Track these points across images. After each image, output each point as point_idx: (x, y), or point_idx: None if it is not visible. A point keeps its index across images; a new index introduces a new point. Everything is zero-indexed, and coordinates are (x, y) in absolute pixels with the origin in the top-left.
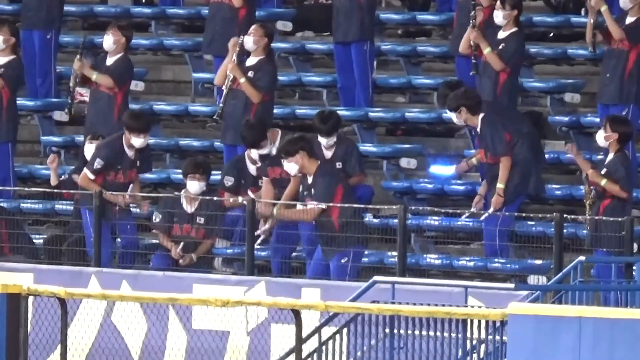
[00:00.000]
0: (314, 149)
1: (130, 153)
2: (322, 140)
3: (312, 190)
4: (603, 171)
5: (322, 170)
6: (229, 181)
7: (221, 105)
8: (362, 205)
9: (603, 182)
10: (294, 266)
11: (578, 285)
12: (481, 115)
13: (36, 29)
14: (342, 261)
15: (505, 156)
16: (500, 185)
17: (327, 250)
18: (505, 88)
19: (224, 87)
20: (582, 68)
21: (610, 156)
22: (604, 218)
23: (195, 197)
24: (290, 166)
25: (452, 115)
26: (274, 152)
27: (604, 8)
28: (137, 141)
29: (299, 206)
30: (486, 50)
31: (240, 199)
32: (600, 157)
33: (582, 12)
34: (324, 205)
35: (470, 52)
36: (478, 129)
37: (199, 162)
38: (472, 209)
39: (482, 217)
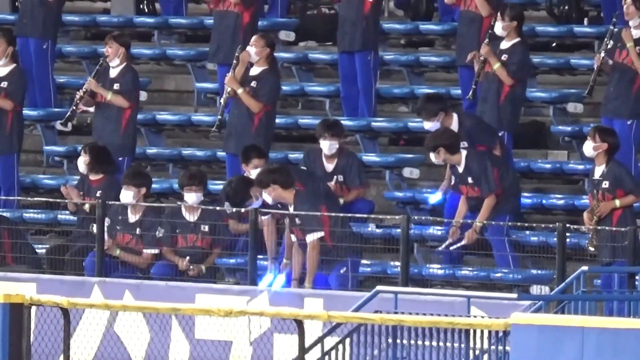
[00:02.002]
0: (290, 178)
1: (131, 217)
2: (324, 145)
3: (297, 220)
4: (605, 184)
5: (300, 198)
6: (230, 207)
7: (219, 117)
8: (365, 215)
9: (617, 203)
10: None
11: (581, 295)
12: (464, 152)
13: (32, 37)
14: (342, 271)
15: (492, 195)
16: (478, 223)
17: (324, 265)
18: (508, 98)
19: (221, 100)
20: (585, 78)
21: (603, 168)
22: (606, 228)
23: (196, 207)
24: (266, 196)
25: (431, 155)
26: (268, 200)
27: (630, 44)
28: (126, 194)
29: (291, 236)
30: (495, 65)
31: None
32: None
33: (585, 22)
34: (321, 233)
35: (476, 56)
36: (460, 167)
37: (193, 173)
38: (449, 240)
39: (452, 248)
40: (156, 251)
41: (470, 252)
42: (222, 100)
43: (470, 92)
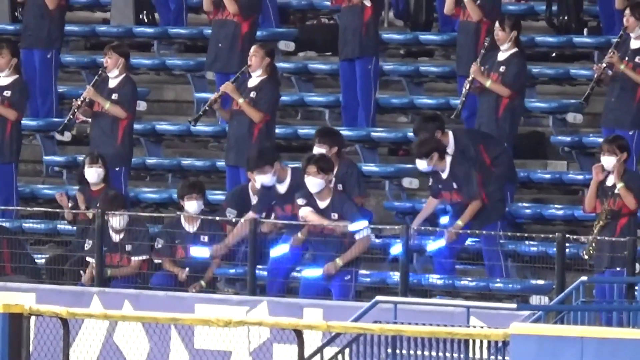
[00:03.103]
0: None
1: (114, 236)
2: (314, 150)
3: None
4: (620, 185)
5: (341, 196)
6: (232, 214)
7: (200, 112)
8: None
9: (619, 185)
10: (292, 286)
11: (580, 306)
12: (449, 158)
13: (36, 48)
14: (346, 278)
15: (477, 200)
16: (459, 223)
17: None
18: (507, 110)
19: (207, 104)
20: (584, 88)
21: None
22: (606, 238)
23: (195, 217)
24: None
25: (420, 163)
26: (281, 190)
27: (622, 67)
28: (114, 221)
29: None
30: (487, 83)
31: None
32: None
33: (584, 33)
34: (369, 229)
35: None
36: (445, 172)
37: (193, 182)
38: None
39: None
40: (145, 257)
41: (469, 262)
42: (208, 105)
43: (454, 114)
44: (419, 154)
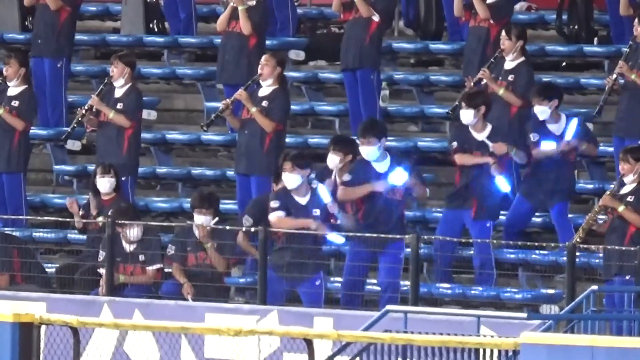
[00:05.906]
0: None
1: (127, 246)
2: (331, 159)
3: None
4: (630, 199)
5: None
6: (248, 221)
7: (212, 118)
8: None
9: (620, 208)
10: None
11: (590, 315)
12: (490, 126)
13: (46, 57)
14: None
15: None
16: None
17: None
18: (516, 117)
19: (219, 110)
20: (594, 97)
21: (634, 185)
22: (614, 247)
23: (206, 226)
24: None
25: (467, 112)
26: (302, 202)
27: (634, 76)
28: (131, 232)
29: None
30: (500, 91)
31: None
32: (612, 186)
33: (595, 42)
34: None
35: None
36: (483, 134)
37: (204, 195)
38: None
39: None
40: (159, 266)
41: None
42: (219, 112)
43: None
44: (469, 104)
